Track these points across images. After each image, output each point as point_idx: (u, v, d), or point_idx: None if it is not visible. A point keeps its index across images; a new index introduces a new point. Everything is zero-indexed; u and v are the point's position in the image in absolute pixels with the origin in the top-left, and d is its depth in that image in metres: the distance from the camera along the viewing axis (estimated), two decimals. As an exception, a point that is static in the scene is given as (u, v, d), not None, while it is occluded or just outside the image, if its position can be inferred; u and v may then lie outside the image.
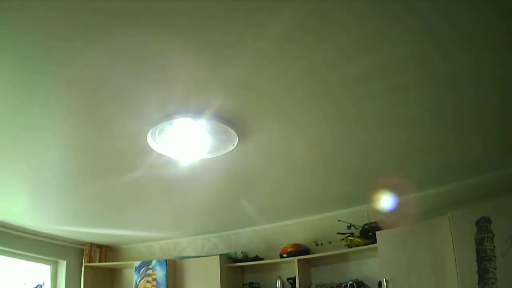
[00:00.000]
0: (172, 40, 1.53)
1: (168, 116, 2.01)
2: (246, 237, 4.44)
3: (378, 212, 3.69)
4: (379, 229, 3.55)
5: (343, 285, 3.55)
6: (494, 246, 2.62)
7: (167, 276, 4.08)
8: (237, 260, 4.16)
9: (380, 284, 3.41)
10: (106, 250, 4.74)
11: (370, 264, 3.65)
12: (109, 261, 4.69)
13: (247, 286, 4.08)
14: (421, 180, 3.28)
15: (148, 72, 1.70)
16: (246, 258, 4.14)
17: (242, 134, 2.23)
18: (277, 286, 3.94)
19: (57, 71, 1.69)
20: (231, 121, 2.07)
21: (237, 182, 3.10)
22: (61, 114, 2.06)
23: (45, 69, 1.68)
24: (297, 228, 4.15)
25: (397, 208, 3.59)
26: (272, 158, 2.71)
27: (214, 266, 3.98)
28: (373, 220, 3.66)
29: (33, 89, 1.84)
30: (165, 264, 4.13)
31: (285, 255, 3.86)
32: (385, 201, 3.64)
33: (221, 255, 4.07)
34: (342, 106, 2.07)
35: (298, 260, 3.74)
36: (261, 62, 1.68)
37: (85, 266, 4.40)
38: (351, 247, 3.54)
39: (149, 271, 4.16)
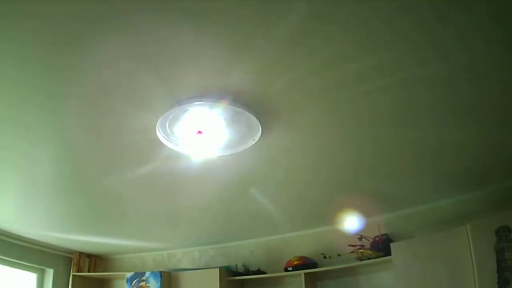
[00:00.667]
0: (188, 24, 1.46)
1: (180, 103, 1.90)
2: (247, 249, 4.32)
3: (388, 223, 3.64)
4: (390, 241, 3.49)
5: (352, 301, 3.44)
6: (515, 256, 2.57)
7: (162, 289, 3.92)
8: (237, 273, 4.03)
9: (393, 298, 3.32)
10: (95, 260, 4.57)
11: (380, 278, 3.57)
12: (98, 271, 4.52)
13: (248, 301, 3.94)
14: (436, 189, 3.23)
15: (159, 57, 1.63)
16: (247, 272, 4.01)
17: (266, 125, 2.10)
18: (280, 301, 3.80)
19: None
20: (254, 108, 1.96)
21: (247, 184, 3.00)
22: (57, 108, 1.96)
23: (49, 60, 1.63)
24: (303, 240, 4.05)
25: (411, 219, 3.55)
26: (294, 158, 2.61)
27: (213, 280, 3.84)
28: (383, 232, 3.59)
29: (25, 79, 1.76)
30: (159, 276, 3.98)
31: (291, 269, 3.75)
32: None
33: (220, 268, 3.93)
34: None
35: (305, 273, 3.63)
36: (287, 46, 1.60)
37: (73, 275, 4.23)
38: (362, 260, 3.44)
39: (142, 283, 4.00)
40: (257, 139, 2.15)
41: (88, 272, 4.41)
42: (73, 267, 4.27)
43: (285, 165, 2.71)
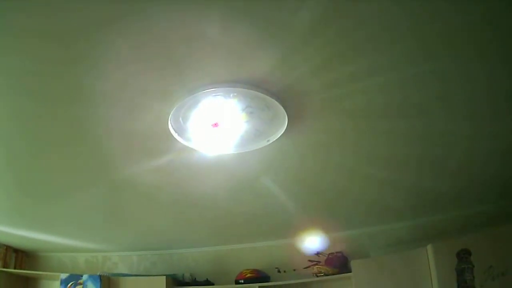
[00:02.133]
0: (196, 11, 1.44)
1: (194, 92, 1.85)
2: (191, 258, 4.31)
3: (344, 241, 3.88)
4: (345, 258, 3.72)
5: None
6: (473, 277, 2.90)
7: (100, 294, 3.74)
8: (184, 283, 3.98)
9: (346, 316, 3.54)
10: (22, 256, 4.24)
11: (334, 294, 3.76)
12: (24, 269, 4.19)
13: (194, 312, 3.91)
14: (394, 211, 3.52)
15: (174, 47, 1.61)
16: (195, 282, 3.98)
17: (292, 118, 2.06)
18: (229, 314, 3.83)
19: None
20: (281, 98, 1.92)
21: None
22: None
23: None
24: (253, 252, 4.13)
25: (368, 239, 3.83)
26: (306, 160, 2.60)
27: (158, 288, 3.76)
28: (338, 250, 3.82)
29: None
30: (99, 280, 3.79)
31: (242, 281, 3.80)
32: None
33: (167, 276, 3.86)
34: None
35: (259, 287, 3.71)
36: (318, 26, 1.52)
37: (0, 271, 3.88)
38: (319, 276, 3.62)
39: (79, 287, 3.79)
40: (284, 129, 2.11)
41: (14, 268, 4.08)
42: None
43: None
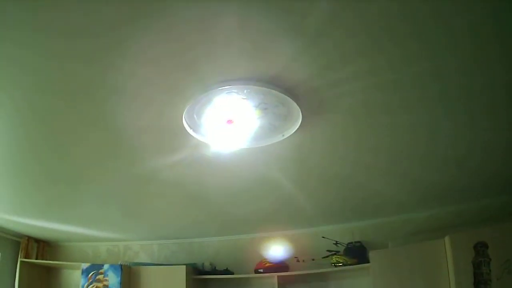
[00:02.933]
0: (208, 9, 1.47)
1: (209, 89, 1.90)
2: (212, 246, 4.39)
3: (363, 231, 3.92)
4: (364, 248, 3.76)
5: (324, 306, 3.65)
6: (490, 270, 2.91)
7: (121, 284, 3.88)
8: (204, 272, 4.08)
9: (365, 306, 3.59)
10: (43, 246, 4.40)
11: (351, 284, 3.81)
12: (46, 259, 4.35)
13: (214, 301, 4.02)
14: (413, 201, 3.53)
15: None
16: (214, 271, 4.07)
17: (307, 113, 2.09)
18: (248, 303, 3.92)
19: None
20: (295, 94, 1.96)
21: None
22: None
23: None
24: (273, 241, 4.17)
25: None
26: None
27: (179, 278, 3.85)
28: (357, 240, 3.86)
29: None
30: (120, 270, 3.92)
31: (261, 270, 3.88)
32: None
33: (187, 265, 3.96)
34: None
35: (278, 276, 3.77)
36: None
37: (21, 261, 4.04)
38: (337, 266, 3.66)
39: (100, 276, 3.92)
40: (299, 124, 2.16)
41: (36, 258, 4.23)
42: (21, 252, 4.08)
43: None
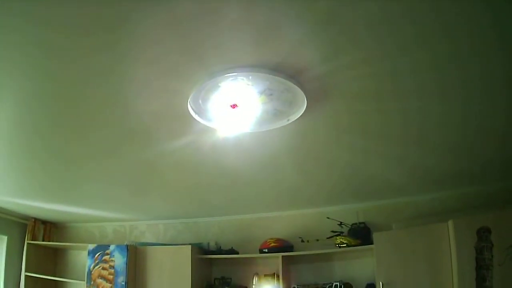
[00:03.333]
0: None
1: (214, 75, 1.90)
2: (218, 226, 4.44)
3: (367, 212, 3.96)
4: (368, 230, 3.80)
5: (327, 286, 3.71)
6: (492, 256, 2.94)
7: (127, 264, 3.95)
8: (209, 251, 4.14)
9: (368, 286, 3.65)
10: (50, 228, 4.46)
11: (355, 265, 3.87)
12: (52, 240, 4.43)
13: (219, 280, 4.08)
14: (417, 184, 3.56)
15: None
16: (220, 250, 4.13)
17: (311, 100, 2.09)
18: (253, 282, 3.99)
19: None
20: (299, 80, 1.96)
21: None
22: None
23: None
24: (278, 221, 4.24)
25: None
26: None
27: (184, 257, 3.93)
28: (361, 221, 3.90)
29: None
30: (126, 250, 3.99)
31: (266, 250, 3.93)
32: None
33: (192, 245, 4.02)
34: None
35: (282, 256, 3.82)
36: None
37: (28, 243, 4.11)
38: (341, 247, 3.71)
39: (106, 257, 4.00)
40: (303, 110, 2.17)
41: (43, 240, 4.30)
42: (28, 234, 4.15)
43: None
